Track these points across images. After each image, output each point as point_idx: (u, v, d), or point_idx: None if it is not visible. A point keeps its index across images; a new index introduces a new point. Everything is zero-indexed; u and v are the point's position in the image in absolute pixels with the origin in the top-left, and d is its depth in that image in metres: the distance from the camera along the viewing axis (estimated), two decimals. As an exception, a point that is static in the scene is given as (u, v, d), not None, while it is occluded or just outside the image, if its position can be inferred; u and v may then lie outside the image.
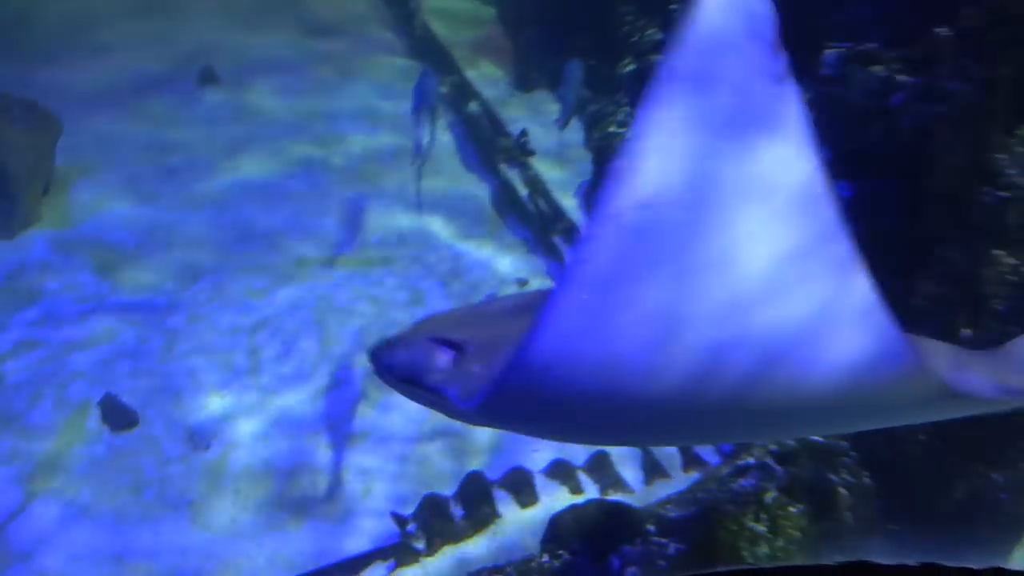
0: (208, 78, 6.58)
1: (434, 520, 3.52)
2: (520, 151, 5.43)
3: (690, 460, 3.90)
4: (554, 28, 6.41)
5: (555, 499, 3.65)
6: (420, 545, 3.47)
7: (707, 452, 3.94)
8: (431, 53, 6.82)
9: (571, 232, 4.87)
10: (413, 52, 7.07)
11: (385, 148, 5.91)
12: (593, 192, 5.08)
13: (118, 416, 3.92)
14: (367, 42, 7.23)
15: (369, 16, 7.66)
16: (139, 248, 4.97)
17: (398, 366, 1.70)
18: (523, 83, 6.45)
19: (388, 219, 5.22)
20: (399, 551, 3.45)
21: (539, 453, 3.73)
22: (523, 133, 5.51)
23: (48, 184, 5.45)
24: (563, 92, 4.95)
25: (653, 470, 3.85)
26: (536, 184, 5.18)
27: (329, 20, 7.48)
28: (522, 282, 4.67)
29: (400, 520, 3.53)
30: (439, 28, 7.12)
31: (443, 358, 1.68)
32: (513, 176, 5.34)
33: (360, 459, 3.80)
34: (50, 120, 5.65)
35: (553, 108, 6.21)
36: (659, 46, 5.50)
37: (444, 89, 6.06)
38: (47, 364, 4.16)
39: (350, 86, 6.64)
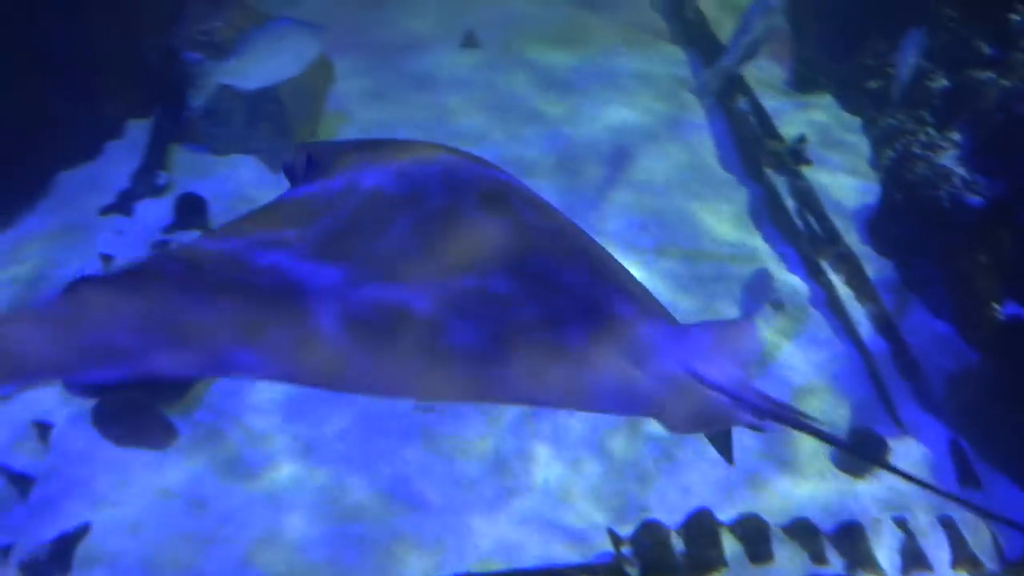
0: (470, 42, 6.60)
1: (653, 550, 3.22)
2: (794, 158, 4.86)
3: (961, 557, 3.28)
4: (849, 25, 5.71)
5: (792, 561, 3.20)
6: (633, 573, 3.19)
7: (984, 553, 3.30)
8: (701, 39, 6.37)
9: (845, 259, 4.27)
10: (680, 37, 6.65)
11: (630, 137, 5.59)
12: (878, 219, 4.43)
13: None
14: (634, 23, 6.90)
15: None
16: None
17: (285, 166, 1.94)
18: (802, 83, 5.82)
19: (632, 202, 4.89)
20: (610, 573, 3.19)
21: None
22: (801, 139, 4.93)
23: (316, 128, 5.73)
24: (900, 63, 4.29)
25: (914, 558, 3.27)
26: (808, 198, 4.61)
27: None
28: (777, 304, 4.18)
29: (616, 539, 3.26)
30: (712, 13, 6.65)
31: (303, 173, 1.82)
32: (780, 185, 4.81)
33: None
34: (326, 66, 5.92)
35: (830, 117, 5.58)
36: (984, 61, 4.67)
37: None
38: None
39: (607, 67, 6.37)
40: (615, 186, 5.09)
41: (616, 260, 1.76)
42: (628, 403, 1.40)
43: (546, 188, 5.06)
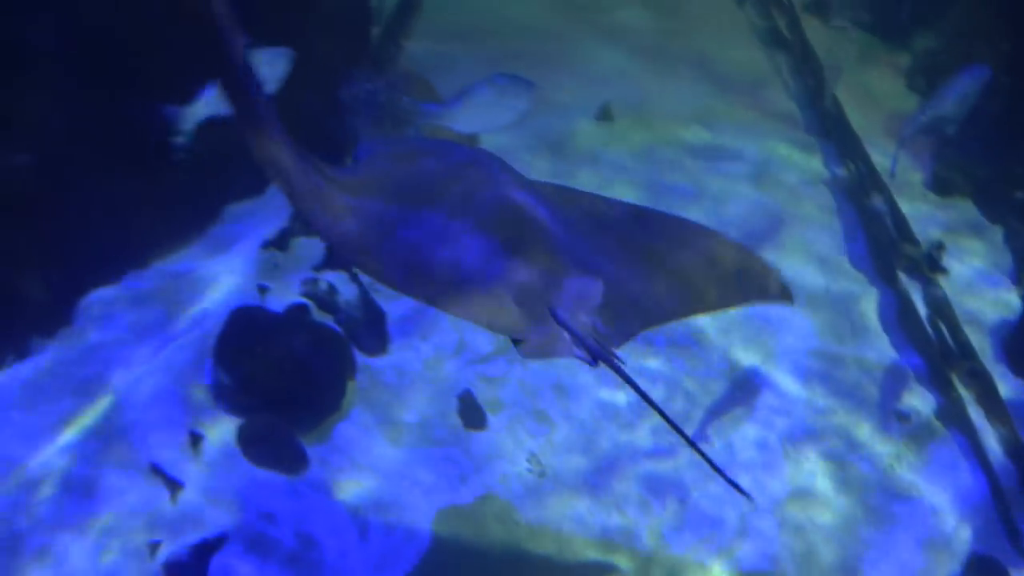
0: (605, 115, 6.85)
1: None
2: (929, 265, 4.80)
3: None
4: (996, 130, 5.61)
5: None
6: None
7: None
8: (836, 131, 6.39)
9: (977, 376, 4.16)
10: (813, 127, 6.69)
11: (754, 223, 5.65)
12: (1017, 337, 4.30)
13: (472, 415, 4.21)
14: (765, 109, 7.01)
15: (774, 81, 7.43)
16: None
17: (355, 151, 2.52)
18: (941, 186, 5.73)
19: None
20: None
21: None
22: (939, 246, 4.87)
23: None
24: None
25: None
26: (942, 307, 4.53)
27: (734, 79, 7.39)
28: (903, 416, 4.11)
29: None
30: (849, 105, 6.66)
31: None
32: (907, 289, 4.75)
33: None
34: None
35: (969, 225, 5.46)
36: None
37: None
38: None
39: (733, 150, 6.47)
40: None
41: (574, 223, 2.27)
42: (501, 325, 1.94)
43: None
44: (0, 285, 4.38)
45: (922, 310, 4.60)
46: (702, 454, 1.85)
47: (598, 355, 1.84)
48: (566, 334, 1.88)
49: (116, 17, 4.73)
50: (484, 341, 4.56)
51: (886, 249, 5.07)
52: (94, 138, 4.74)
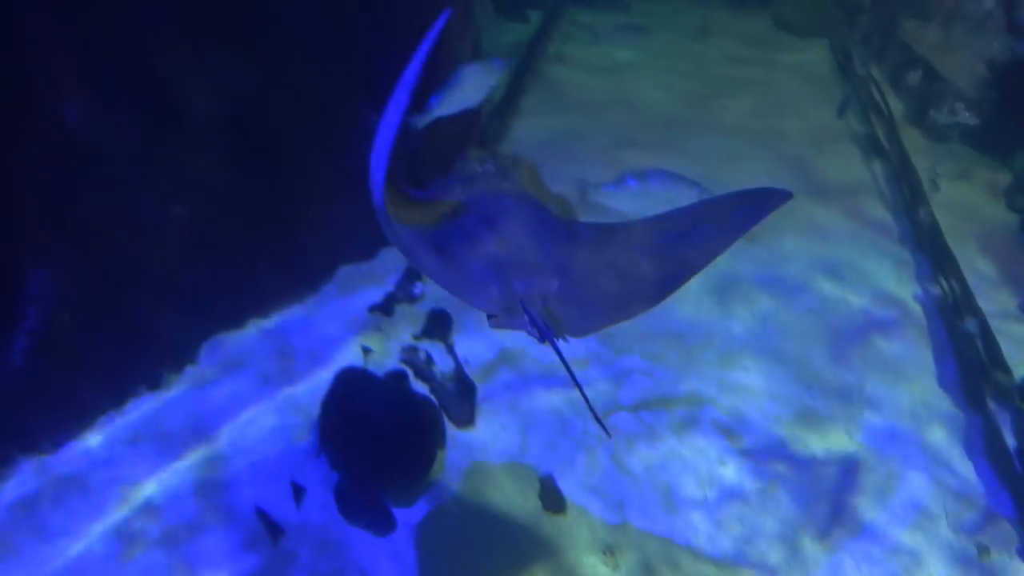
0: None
1: None
2: (1020, 395, 4.77)
3: None
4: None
5: None
6: None
7: None
8: (930, 246, 6.42)
9: (1066, 519, 4.10)
10: (906, 240, 6.74)
11: (845, 327, 5.71)
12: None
13: (551, 499, 4.39)
14: (860, 218, 7.10)
15: (871, 190, 7.53)
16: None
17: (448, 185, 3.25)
18: (1037, 311, 5.69)
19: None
20: None
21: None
22: (1033, 379, 4.84)
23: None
24: None
25: None
26: (1032, 443, 4.50)
27: (831, 183, 7.53)
28: (982, 547, 4.07)
29: None
30: (944, 220, 6.69)
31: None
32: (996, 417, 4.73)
33: None
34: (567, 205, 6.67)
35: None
36: None
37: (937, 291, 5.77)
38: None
39: (823, 255, 6.56)
40: (831, 381, 5.23)
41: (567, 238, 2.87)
42: (483, 304, 2.57)
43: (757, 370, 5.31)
44: (144, 321, 4.90)
45: (1011, 441, 4.56)
46: (584, 395, 2.49)
47: (543, 332, 2.48)
48: (525, 315, 2.52)
49: (271, 89, 5.31)
50: (560, 441, 4.78)
51: (976, 374, 5.06)
52: (239, 196, 5.28)
